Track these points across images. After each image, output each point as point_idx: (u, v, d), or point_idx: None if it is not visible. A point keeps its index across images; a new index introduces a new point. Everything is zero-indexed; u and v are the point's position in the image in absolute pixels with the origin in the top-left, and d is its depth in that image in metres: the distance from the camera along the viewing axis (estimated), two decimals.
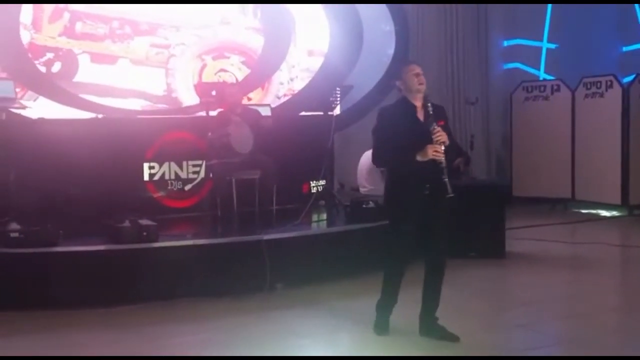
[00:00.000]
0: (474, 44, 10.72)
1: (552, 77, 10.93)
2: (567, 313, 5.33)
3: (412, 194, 4.35)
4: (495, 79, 11.07)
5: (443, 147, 4.26)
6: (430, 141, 4.27)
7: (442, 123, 4.37)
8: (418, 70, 4.44)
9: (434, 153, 4.25)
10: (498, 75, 11.11)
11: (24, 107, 7.06)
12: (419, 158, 4.26)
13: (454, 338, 4.45)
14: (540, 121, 10.41)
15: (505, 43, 11.16)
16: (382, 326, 4.58)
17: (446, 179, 4.25)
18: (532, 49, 11.27)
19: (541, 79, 11.13)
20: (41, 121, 6.98)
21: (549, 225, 8.88)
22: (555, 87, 10.47)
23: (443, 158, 4.26)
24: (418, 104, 4.41)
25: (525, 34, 11.16)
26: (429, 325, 4.54)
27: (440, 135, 4.27)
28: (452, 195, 4.25)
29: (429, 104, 4.35)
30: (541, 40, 11.29)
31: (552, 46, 11.31)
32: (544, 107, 10.48)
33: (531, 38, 11.21)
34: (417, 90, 4.40)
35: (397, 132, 4.33)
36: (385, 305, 4.59)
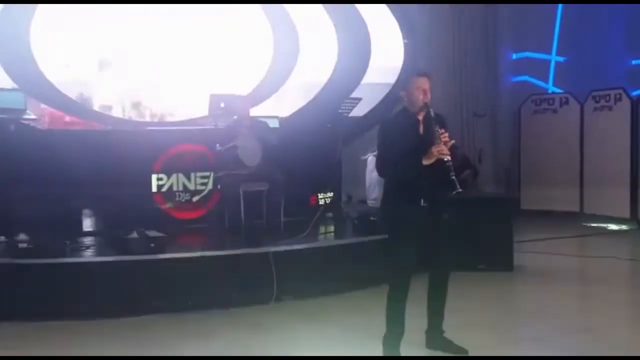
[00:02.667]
0: (482, 56, 10.73)
1: (560, 90, 10.93)
2: (575, 327, 5.28)
3: (408, 209, 4.24)
4: (504, 92, 11.07)
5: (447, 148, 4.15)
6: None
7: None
8: (426, 86, 4.28)
9: (439, 152, 4.13)
10: (507, 88, 11.11)
11: (33, 119, 7.11)
12: (425, 162, 4.15)
13: (461, 351, 4.42)
14: (548, 134, 10.40)
15: (514, 56, 11.16)
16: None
17: (453, 176, 4.13)
18: (541, 62, 11.27)
19: (550, 92, 11.12)
20: (50, 132, 7.02)
21: (558, 238, 8.84)
22: (564, 100, 10.48)
23: (449, 156, 4.14)
24: (420, 117, 4.30)
25: (534, 47, 11.16)
26: (435, 338, 4.51)
27: (445, 136, 4.16)
28: (460, 190, 4.11)
29: (431, 110, 4.22)
30: (550, 53, 11.29)
31: (561, 59, 11.31)
32: (553, 120, 10.48)
33: (540, 51, 11.22)
34: (420, 108, 4.27)
35: (400, 146, 4.21)
36: (393, 339, 4.35)
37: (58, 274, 5.40)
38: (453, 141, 4.20)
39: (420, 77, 4.32)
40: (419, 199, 4.24)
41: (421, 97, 4.25)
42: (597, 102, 9.98)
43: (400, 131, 4.27)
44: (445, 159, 4.14)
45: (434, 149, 4.14)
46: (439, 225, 4.35)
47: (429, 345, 4.53)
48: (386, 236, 4.52)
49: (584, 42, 10.97)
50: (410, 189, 4.25)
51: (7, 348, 4.72)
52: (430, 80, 4.32)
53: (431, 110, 4.24)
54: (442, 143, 4.15)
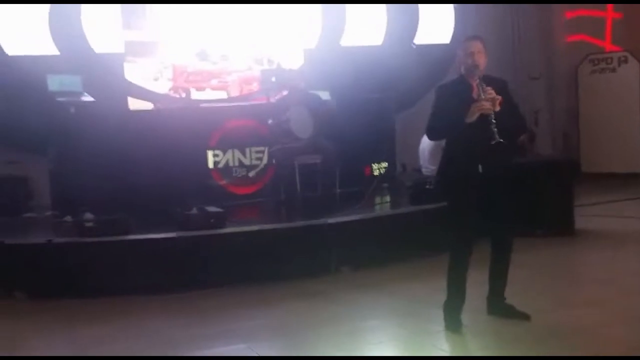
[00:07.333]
0: (535, 17, 10.47)
1: (619, 49, 10.60)
2: (638, 289, 5.19)
3: (465, 173, 4.23)
4: (559, 52, 10.79)
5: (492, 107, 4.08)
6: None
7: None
8: (473, 49, 4.26)
9: (479, 108, 4.08)
10: (562, 49, 10.82)
11: (91, 101, 7.27)
12: (467, 120, 4.12)
13: (523, 316, 4.39)
14: (608, 94, 10.15)
15: (568, 15, 10.85)
16: (454, 325, 4.32)
17: (495, 129, 4.05)
18: (597, 20, 10.93)
19: (607, 51, 10.80)
20: (108, 114, 7.16)
21: (620, 201, 8.64)
22: (622, 59, 10.18)
23: (491, 111, 4.06)
24: (474, 83, 4.24)
25: (589, 4, 10.81)
26: (496, 305, 4.48)
27: (490, 94, 4.11)
28: (501, 140, 4.03)
29: (480, 80, 4.17)
30: (605, 10, 10.93)
31: (618, 16, 10.93)
32: (612, 79, 10.21)
33: (595, 8, 10.86)
34: (470, 71, 4.25)
35: (450, 109, 4.21)
36: (454, 306, 4.36)
37: (123, 251, 5.56)
38: (500, 98, 4.11)
39: (468, 41, 4.34)
40: (475, 165, 4.20)
41: (469, 60, 4.24)
42: None
43: (451, 95, 4.27)
44: (487, 113, 4.07)
45: (474, 106, 4.11)
46: (497, 188, 4.30)
47: (490, 311, 4.50)
48: (445, 204, 4.50)
49: None
50: (466, 155, 4.21)
51: (76, 324, 4.90)
52: (482, 42, 4.30)
53: (481, 81, 4.16)
54: (486, 100, 4.09)
